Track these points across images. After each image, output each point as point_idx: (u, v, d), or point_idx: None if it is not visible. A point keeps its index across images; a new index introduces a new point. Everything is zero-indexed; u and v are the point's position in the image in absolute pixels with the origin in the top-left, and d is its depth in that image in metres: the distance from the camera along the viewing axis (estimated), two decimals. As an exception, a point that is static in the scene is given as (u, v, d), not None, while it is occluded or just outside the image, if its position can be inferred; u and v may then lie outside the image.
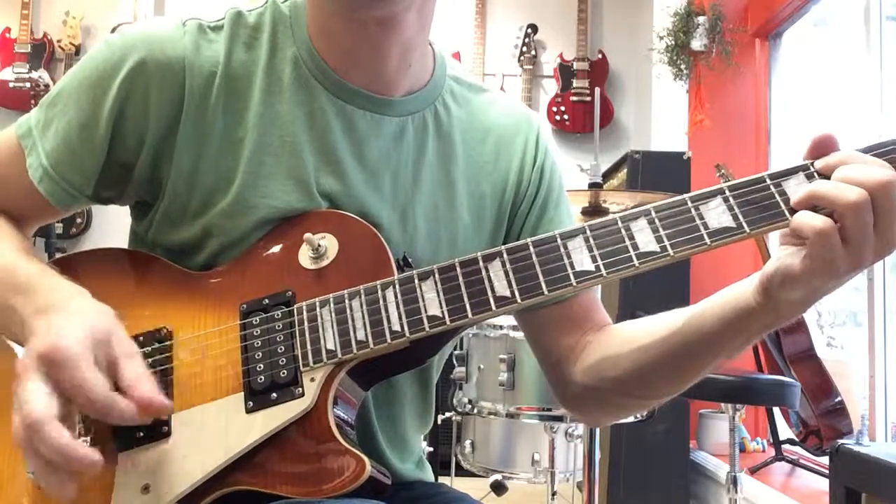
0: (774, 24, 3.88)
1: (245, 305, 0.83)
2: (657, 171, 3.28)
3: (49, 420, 0.66)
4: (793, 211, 0.69)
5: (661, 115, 4.17)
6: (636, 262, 0.72)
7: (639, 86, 4.57)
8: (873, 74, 3.09)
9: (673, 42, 3.90)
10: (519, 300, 0.75)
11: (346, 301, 0.79)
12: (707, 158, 3.44)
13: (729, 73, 3.87)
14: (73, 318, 0.73)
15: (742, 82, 3.98)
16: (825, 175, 0.70)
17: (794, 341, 3.07)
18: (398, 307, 0.78)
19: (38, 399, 0.67)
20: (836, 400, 3.03)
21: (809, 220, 0.67)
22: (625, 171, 3.41)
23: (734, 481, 2.27)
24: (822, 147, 0.71)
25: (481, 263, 0.77)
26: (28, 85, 4.43)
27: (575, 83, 4.57)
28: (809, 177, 0.71)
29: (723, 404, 2.48)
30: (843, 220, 0.66)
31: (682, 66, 3.91)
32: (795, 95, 3.91)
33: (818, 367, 3.07)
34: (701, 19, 3.88)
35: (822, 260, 0.67)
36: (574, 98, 4.55)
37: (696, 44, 3.87)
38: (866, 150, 0.71)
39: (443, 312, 0.76)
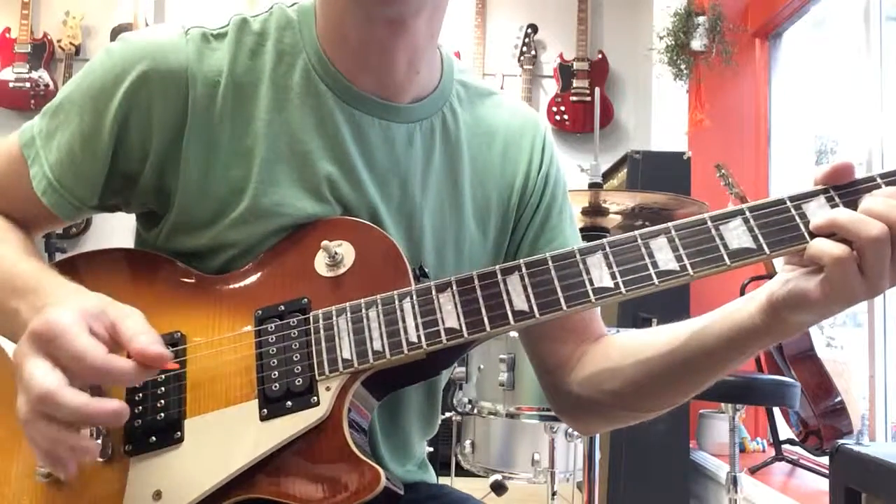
0: (774, 24, 3.89)
1: (260, 311, 0.82)
2: (657, 171, 3.29)
3: (60, 386, 0.65)
4: (812, 234, 0.69)
5: (661, 115, 4.17)
6: (656, 280, 0.72)
7: (639, 86, 4.56)
8: (873, 74, 3.09)
9: (673, 42, 3.90)
10: (538, 315, 0.74)
11: (363, 310, 0.78)
12: (707, 158, 3.44)
13: (729, 73, 3.87)
14: (66, 302, 0.72)
15: (742, 82, 3.98)
16: (848, 203, 0.69)
17: (794, 341, 3.07)
18: (415, 318, 0.77)
19: (42, 372, 0.65)
20: (836, 400, 3.03)
21: (827, 248, 0.67)
22: (625, 171, 3.41)
23: (734, 481, 2.26)
24: (842, 176, 0.71)
25: (500, 276, 0.76)
26: (28, 85, 4.40)
27: (575, 83, 4.57)
28: (830, 200, 0.70)
29: (723, 404, 2.47)
30: (861, 252, 0.66)
31: (682, 66, 3.91)
32: (795, 95, 3.92)
33: (818, 367, 3.07)
34: (701, 19, 3.89)
35: (839, 287, 0.67)
36: (574, 98, 4.55)
37: (696, 44, 3.87)
38: (887, 176, 0.70)
39: (460, 325, 0.75)
